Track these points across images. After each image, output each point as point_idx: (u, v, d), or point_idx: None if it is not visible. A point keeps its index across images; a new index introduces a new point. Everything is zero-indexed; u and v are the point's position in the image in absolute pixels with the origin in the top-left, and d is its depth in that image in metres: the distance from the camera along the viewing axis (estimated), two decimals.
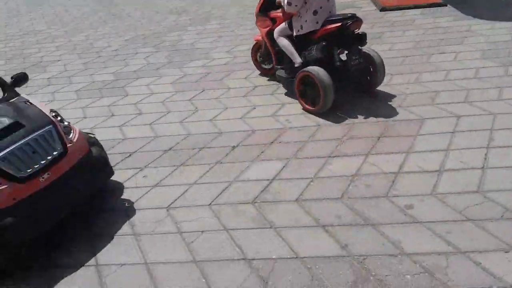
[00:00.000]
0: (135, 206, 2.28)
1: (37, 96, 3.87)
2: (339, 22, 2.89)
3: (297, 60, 3.10)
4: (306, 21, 2.96)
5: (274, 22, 3.28)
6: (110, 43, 5.26)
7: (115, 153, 2.82)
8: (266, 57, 3.59)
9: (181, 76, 3.96)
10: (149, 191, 2.39)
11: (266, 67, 3.70)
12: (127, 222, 2.16)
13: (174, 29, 5.55)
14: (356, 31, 2.95)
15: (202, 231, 2.02)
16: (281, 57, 3.30)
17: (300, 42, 3.07)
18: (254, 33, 4.93)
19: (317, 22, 2.95)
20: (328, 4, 2.98)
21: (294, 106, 3.14)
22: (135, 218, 2.18)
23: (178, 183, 2.44)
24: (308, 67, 2.93)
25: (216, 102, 3.38)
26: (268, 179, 2.33)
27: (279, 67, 3.34)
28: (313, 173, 2.33)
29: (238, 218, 2.08)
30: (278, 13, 3.23)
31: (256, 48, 3.70)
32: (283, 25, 3.16)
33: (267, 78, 3.65)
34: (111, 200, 2.37)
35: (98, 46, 5.20)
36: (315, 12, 2.93)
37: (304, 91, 3.04)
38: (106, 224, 2.17)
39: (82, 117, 3.38)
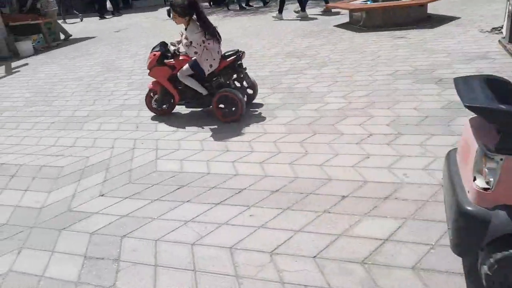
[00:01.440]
0: (240, 245, 2.28)
1: (162, 126, 4.25)
2: (233, 56, 4.11)
3: (204, 91, 4.12)
4: (214, 59, 4.00)
5: (173, 68, 4.17)
6: None
7: (226, 188, 2.90)
8: (163, 100, 4.43)
9: (294, 118, 3.99)
10: (254, 231, 2.39)
11: (162, 108, 4.52)
12: (231, 261, 2.17)
13: (291, 72, 5.70)
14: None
15: (305, 286, 1.91)
16: (184, 94, 4.24)
17: (200, 77, 4.09)
18: (372, 80, 4.82)
19: (220, 59, 4.04)
20: (220, 46, 4.11)
21: (414, 160, 2.92)
22: (239, 259, 2.18)
23: (283, 227, 2.39)
24: (222, 89, 4.02)
25: (327, 147, 3.31)
26: (381, 239, 2.15)
27: (182, 102, 4.33)
28: (434, 239, 2.08)
29: (345, 277, 1.93)
30: (172, 61, 4.20)
31: (150, 95, 4.50)
32: (186, 67, 4.04)
33: (380, 126, 3.49)
34: (216, 236, 2.41)
35: None
36: (218, 52, 4.02)
37: (221, 109, 4.08)
38: (210, 258, 2.21)
39: (200, 149, 3.58)
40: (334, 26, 8.76)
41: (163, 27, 12.24)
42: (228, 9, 14.23)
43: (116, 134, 4.20)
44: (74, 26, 14.37)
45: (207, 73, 4.03)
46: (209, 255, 2.25)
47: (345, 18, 9.02)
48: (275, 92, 4.90)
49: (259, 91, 4.97)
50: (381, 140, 3.28)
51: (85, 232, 2.63)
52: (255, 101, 4.60)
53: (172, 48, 4.22)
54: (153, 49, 4.40)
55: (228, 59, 4.09)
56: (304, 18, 10.34)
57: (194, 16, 3.93)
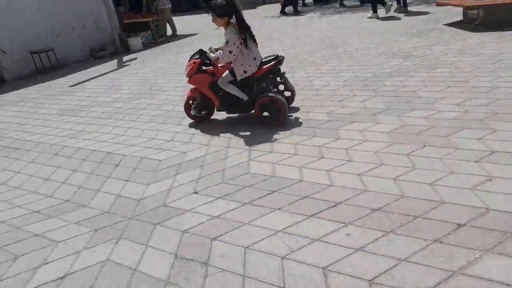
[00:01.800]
0: (335, 267, 2.08)
1: (256, 125, 4.18)
2: (273, 61, 4.11)
3: (245, 97, 4.10)
4: (249, 66, 3.97)
5: (213, 75, 4.18)
6: (329, 82, 5.35)
7: (320, 199, 2.71)
8: (202, 107, 4.46)
9: (399, 126, 3.63)
10: (351, 254, 2.16)
11: (200, 115, 4.54)
12: (324, 284, 1.98)
13: (396, 73, 5.27)
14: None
15: None
16: (225, 100, 4.23)
17: (241, 83, 4.08)
18: (492, 86, 4.23)
19: (256, 65, 4.01)
20: (258, 51, 4.07)
21: None
22: (333, 282, 1.98)
23: (385, 253, 2.13)
24: (264, 94, 4.01)
25: (439, 163, 2.92)
26: (509, 285, 1.79)
27: (222, 108, 4.32)
28: None
29: None
30: (211, 69, 4.22)
31: (189, 102, 4.52)
32: (226, 74, 4.06)
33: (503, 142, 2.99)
34: (308, 252, 2.23)
35: (317, 84, 5.35)
36: (254, 58, 3.98)
37: (264, 113, 4.10)
38: (301, 277, 2.04)
39: (293, 154, 3.43)
40: (445, 25, 7.99)
41: (260, 25, 12.37)
42: (342, 5, 13.87)
43: (212, 131, 4.24)
44: (178, 23, 15.17)
45: (239, 78, 4.01)
46: (300, 273, 2.09)
47: (448, 17, 8.16)
48: (378, 95, 4.55)
49: (359, 94, 4.68)
50: (507, 160, 2.80)
51: (177, 229, 2.64)
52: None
53: (211, 55, 4.19)
54: (191, 57, 4.39)
55: (268, 65, 4.09)
56: (408, 15, 9.77)
57: (234, 20, 3.90)
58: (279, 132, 3.92)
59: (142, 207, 3.00)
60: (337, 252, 2.19)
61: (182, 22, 15.81)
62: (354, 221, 2.43)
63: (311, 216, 2.54)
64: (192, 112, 4.56)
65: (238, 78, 4.03)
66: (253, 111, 4.18)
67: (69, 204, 3.20)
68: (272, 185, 2.98)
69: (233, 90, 4.11)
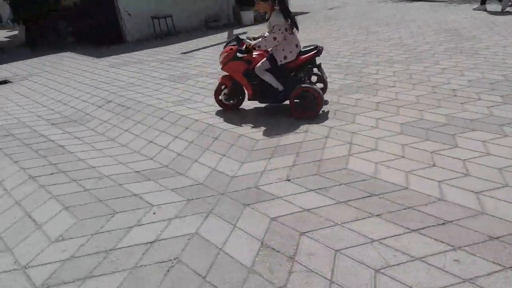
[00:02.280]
0: None
1: (361, 118, 3.91)
2: (313, 51, 4.01)
3: (280, 87, 4.02)
4: (290, 52, 3.89)
5: (249, 63, 4.05)
6: (450, 80, 4.79)
7: (427, 213, 2.42)
8: (232, 95, 4.35)
9: None
10: (458, 284, 1.88)
11: (229, 103, 4.43)
12: None
13: None
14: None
15: None
16: (259, 89, 4.11)
17: (277, 72, 3.98)
18: None
19: (296, 53, 3.92)
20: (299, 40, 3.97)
21: None
22: None
23: None
24: (303, 84, 3.91)
25: None
26: None
27: (253, 97, 4.18)
28: None
29: None
30: (247, 56, 4.07)
31: (220, 88, 4.41)
32: (264, 61, 3.96)
33: None
34: (407, 270, 2.00)
35: (436, 81, 4.83)
36: (296, 46, 3.91)
37: (298, 103, 4.00)
38: None
39: (400, 156, 3.13)
40: None
41: (376, 9, 11.65)
42: None
43: (313, 118, 4.06)
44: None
45: (279, 63, 3.93)
46: None
47: None
48: (508, 103, 3.95)
49: (485, 99, 4.13)
50: None
51: (266, 215, 2.57)
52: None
53: (248, 41, 4.05)
54: (227, 43, 4.24)
55: (307, 55, 3.99)
56: None
57: (277, 6, 3.82)
58: (386, 130, 3.61)
59: (234, 185, 2.99)
60: (441, 278, 1.93)
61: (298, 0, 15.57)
62: (465, 246, 2.12)
63: (415, 230, 2.28)
64: (221, 97, 4.45)
65: (279, 63, 3.93)
66: (286, 101, 4.09)
67: (167, 170, 3.32)
68: (372, 188, 2.75)
69: (269, 78, 4.02)
